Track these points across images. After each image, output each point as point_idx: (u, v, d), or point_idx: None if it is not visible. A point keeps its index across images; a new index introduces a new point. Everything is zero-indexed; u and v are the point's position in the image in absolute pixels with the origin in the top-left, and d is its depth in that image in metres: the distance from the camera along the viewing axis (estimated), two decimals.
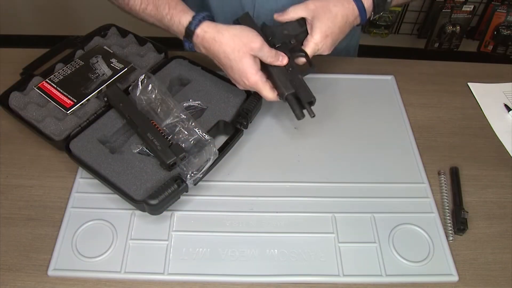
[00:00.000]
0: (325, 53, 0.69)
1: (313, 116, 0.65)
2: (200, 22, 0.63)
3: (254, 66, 0.63)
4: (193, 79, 0.76)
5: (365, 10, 0.68)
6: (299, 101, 0.65)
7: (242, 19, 0.67)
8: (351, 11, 0.67)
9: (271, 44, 0.66)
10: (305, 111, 0.66)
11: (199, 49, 0.66)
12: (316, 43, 0.67)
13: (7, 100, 0.72)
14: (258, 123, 0.76)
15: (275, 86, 0.66)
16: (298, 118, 0.65)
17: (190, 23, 0.63)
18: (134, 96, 0.70)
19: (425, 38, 1.95)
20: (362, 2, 0.67)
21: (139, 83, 0.70)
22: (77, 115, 0.70)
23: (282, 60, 0.65)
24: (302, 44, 0.68)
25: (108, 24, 0.86)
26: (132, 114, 0.67)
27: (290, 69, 0.66)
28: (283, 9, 0.71)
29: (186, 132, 0.66)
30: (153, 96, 0.69)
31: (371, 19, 0.71)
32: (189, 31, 0.64)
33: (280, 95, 0.65)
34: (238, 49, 0.62)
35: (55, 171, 0.68)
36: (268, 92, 0.65)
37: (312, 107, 0.65)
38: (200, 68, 0.78)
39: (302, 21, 0.67)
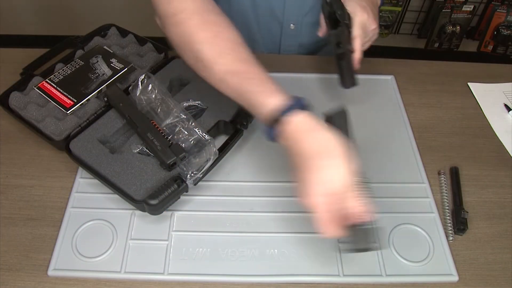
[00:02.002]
0: (374, 25, 0.71)
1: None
2: (293, 108, 0.51)
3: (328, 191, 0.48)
4: (193, 79, 0.76)
5: None
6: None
7: (337, 116, 0.56)
8: None
9: (333, 17, 0.69)
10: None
11: (283, 137, 0.53)
12: (360, 20, 0.69)
13: (7, 100, 0.72)
14: (258, 123, 0.76)
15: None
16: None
17: (283, 108, 0.51)
18: (134, 96, 0.70)
19: (425, 38, 1.95)
20: None
21: (139, 83, 0.70)
22: (77, 115, 0.70)
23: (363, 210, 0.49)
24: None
25: (108, 24, 0.86)
26: (132, 114, 0.67)
27: (348, 47, 0.69)
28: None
29: (186, 132, 0.66)
30: (153, 96, 0.69)
31: None
32: (279, 118, 0.51)
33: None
34: (321, 157, 0.49)
35: (55, 171, 0.68)
36: (326, 225, 0.48)
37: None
38: None
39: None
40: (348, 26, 0.70)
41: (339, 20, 0.69)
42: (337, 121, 0.55)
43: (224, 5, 0.85)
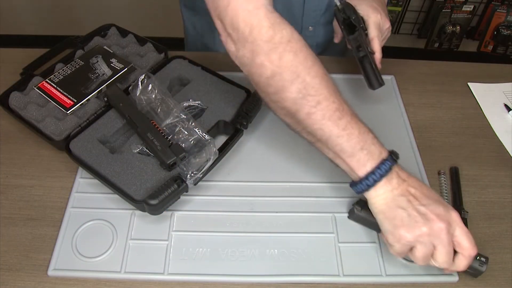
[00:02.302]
0: (387, 23, 0.72)
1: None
2: (392, 162, 0.55)
3: None
4: (193, 79, 0.76)
5: None
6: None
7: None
8: None
9: (348, 23, 0.72)
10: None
11: (390, 180, 0.53)
12: (372, 19, 0.70)
13: (7, 100, 0.72)
14: (258, 123, 0.76)
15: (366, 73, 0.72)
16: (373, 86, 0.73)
17: (388, 161, 0.54)
18: (134, 96, 0.70)
19: (425, 38, 1.95)
20: None
21: (139, 83, 0.70)
22: (77, 115, 0.70)
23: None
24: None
25: (108, 24, 0.86)
26: (132, 114, 0.67)
27: (369, 50, 0.71)
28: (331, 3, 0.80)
29: (186, 132, 0.66)
30: (153, 96, 0.69)
31: None
32: (395, 159, 0.55)
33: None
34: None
35: (55, 171, 0.68)
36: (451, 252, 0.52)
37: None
38: (200, 68, 0.78)
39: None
40: (364, 28, 0.71)
41: (355, 25, 0.71)
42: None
43: None
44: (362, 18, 0.72)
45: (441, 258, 0.52)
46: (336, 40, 0.79)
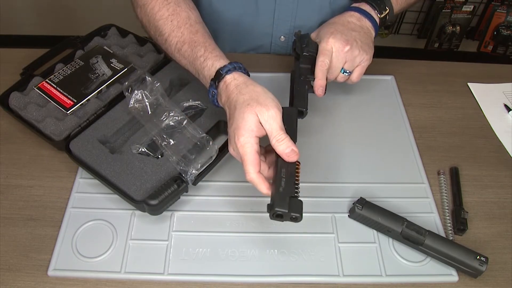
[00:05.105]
0: (346, 47, 0.67)
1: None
2: (234, 69, 0.59)
3: (253, 127, 0.55)
4: (193, 79, 0.76)
5: (363, 10, 0.72)
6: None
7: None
8: (347, 12, 0.73)
9: (301, 49, 0.70)
10: None
11: (221, 98, 0.60)
12: (323, 46, 0.68)
13: (7, 100, 0.72)
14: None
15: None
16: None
17: (223, 67, 0.59)
18: (133, 96, 0.70)
19: (425, 38, 1.95)
20: (357, 6, 0.73)
21: (138, 84, 0.70)
22: (77, 115, 0.70)
23: (291, 154, 0.56)
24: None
25: (108, 24, 0.86)
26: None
27: (302, 77, 0.69)
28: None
29: (185, 132, 0.66)
30: (153, 97, 0.69)
31: (381, 18, 0.74)
32: (219, 75, 0.59)
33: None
34: (248, 103, 0.55)
35: (55, 171, 0.68)
36: (251, 166, 0.54)
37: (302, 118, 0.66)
38: None
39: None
40: (313, 57, 0.69)
41: (298, 54, 0.71)
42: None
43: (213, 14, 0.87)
44: (317, 46, 0.69)
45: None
46: None
